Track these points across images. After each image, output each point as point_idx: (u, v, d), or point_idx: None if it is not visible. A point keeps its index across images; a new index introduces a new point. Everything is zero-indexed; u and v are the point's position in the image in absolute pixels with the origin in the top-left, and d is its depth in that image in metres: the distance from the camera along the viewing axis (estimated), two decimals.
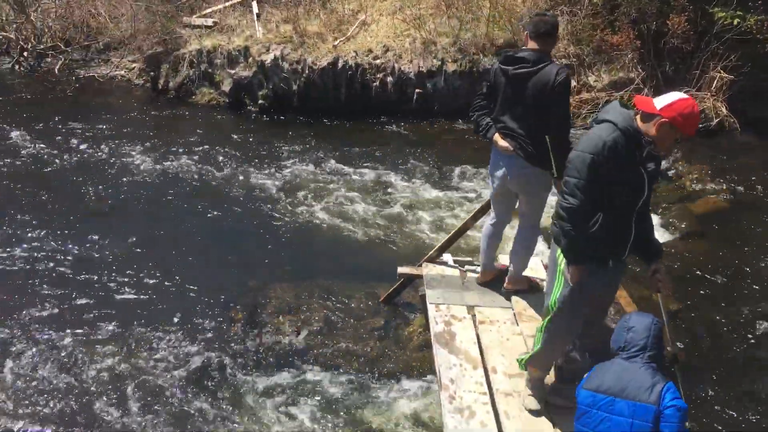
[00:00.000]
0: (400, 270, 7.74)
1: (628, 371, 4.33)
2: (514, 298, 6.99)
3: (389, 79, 14.03)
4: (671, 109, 4.44)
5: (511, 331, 6.59)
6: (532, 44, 5.78)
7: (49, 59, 16.71)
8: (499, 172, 6.32)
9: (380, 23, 15.01)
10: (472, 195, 10.88)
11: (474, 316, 6.81)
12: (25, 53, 16.74)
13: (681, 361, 5.07)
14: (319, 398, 6.85)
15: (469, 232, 7.85)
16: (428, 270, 7.51)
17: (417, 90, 14.02)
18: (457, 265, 7.56)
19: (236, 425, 6.52)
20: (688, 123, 4.48)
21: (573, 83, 12.78)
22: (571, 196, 4.58)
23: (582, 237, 4.64)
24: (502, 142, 6.10)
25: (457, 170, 11.69)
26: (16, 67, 16.62)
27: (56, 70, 16.24)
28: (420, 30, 14.35)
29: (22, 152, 12.11)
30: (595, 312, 5.29)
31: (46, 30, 16.96)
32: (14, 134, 12.80)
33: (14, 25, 16.87)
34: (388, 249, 9.47)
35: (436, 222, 10.10)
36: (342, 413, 6.67)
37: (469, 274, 7.41)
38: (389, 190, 11.10)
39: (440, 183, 11.33)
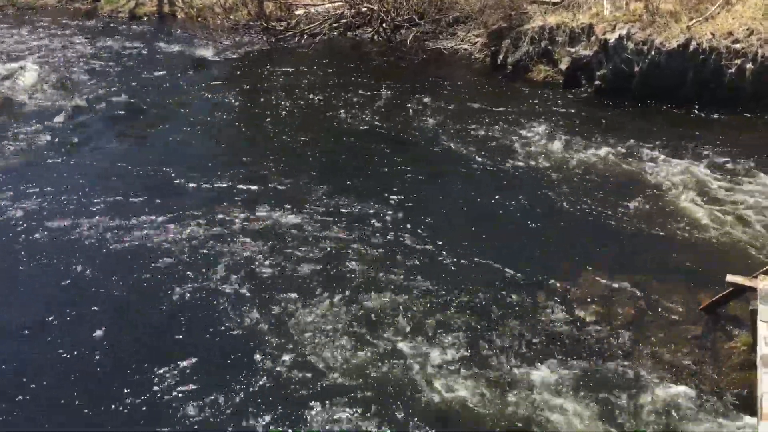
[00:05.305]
0: (730, 278, 6.93)
1: None
2: None
3: (748, 66, 12.48)
4: None
5: None
6: None
7: (403, 31, 18.10)
8: None
9: (747, 3, 13.36)
10: None
11: None
12: (384, 24, 18.35)
13: None
14: (606, 394, 6.53)
15: None
16: (766, 283, 6.61)
17: None
18: None
19: (501, 405, 6.54)
20: None
21: None
22: None
23: None
24: None
25: None
26: (375, 37, 18.33)
27: (408, 42, 17.56)
28: None
29: (368, 107, 13.42)
30: None
31: (404, 3, 18.36)
32: (368, 93, 14.25)
33: None
34: (716, 252, 8.55)
35: None
36: (626, 415, 6.29)
37: None
38: (728, 188, 9.97)
39: None
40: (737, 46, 12.59)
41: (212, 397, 6.63)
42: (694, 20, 13.21)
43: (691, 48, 12.85)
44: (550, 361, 6.99)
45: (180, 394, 6.68)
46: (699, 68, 12.86)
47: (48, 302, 8.13)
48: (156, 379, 6.87)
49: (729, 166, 10.63)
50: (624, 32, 13.56)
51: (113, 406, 6.60)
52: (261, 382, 6.82)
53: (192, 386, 6.78)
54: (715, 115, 12.50)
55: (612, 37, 13.65)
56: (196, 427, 6.37)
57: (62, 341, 7.46)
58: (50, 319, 7.79)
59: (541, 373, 6.82)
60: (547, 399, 6.51)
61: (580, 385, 6.67)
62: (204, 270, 8.53)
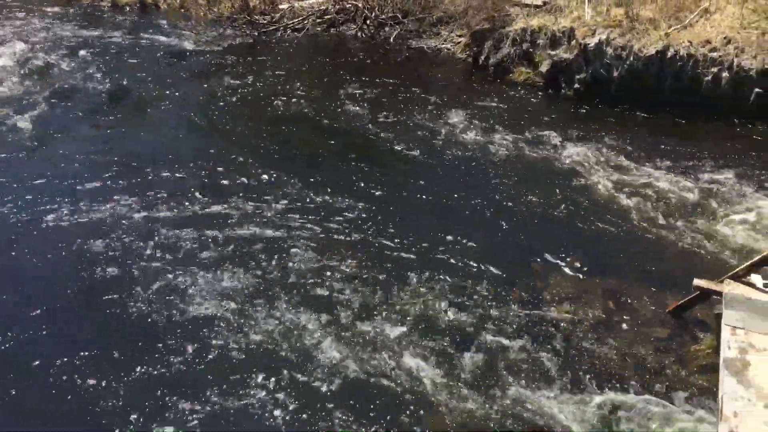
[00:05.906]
0: (697, 282, 7.05)
1: None
2: None
3: (724, 74, 12.65)
4: None
5: None
6: None
7: (387, 29, 18.12)
8: None
9: (725, 12, 13.55)
10: None
11: None
12: (368, 22, 18.37)
13: None
14: (569, 394, 6.62)
15: None
16: (730, 288, 6.73)
17: (757, 89, 12.43)
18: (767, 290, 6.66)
19: (470, 393, 6.61)
20: None
21: None
22: None
23: None
24: None
25: None
26: (359, 33, 18.33)
27: (391, 39, 17.59)
28: None
29: (348, 104, 13.45)
30: None
31: (389, 1, 18.38)
32: (349, 90, 14.28)
33: None
34: (684, 256, 8.68)
35: (749, 237, 8.96)
36: (596, 418, 6.38)
37: None
38: (699, 193, 10.10)
39: (764, 195, 10.02)
40: (714, 54, 12.76)
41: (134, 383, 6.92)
42: (672, 27, 13.37)
43: (669, 55, 13.01)
44: (514, 360, 7.07)
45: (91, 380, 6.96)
46: (677, 75, 13.02)
47: None
48: (71, 363, 7.16)
49: (701, 172, 10.76)
50: (603, 37, 13.69)
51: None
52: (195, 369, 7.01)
53: (114, 372, 7.06)
54: (691, 122, 12.63)
55: (592, 42, 13.77)
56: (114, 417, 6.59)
57: None
58: None
59: (504, 373, 6.90)
60: (508, 397, 6.59)
61: (544, 385, 6.76)
62: (153, 255, 8.75)
